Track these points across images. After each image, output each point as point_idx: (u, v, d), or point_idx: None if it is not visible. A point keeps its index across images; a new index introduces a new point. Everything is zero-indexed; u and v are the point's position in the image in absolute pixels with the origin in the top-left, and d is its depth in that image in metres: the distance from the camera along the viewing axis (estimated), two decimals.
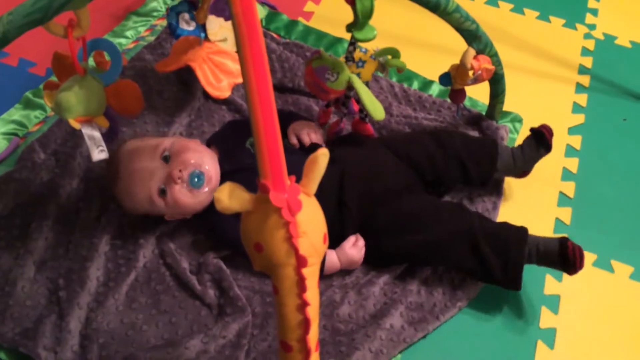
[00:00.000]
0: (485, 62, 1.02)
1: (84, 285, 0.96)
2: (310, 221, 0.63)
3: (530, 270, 1.04)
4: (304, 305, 0.63)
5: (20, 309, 0.94)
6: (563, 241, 0.96)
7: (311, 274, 0.63)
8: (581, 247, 0.95)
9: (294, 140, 1.08)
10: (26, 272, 0.98)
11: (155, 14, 1.41)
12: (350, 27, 0.91)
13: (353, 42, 0.96)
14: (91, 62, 0.88)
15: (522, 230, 0.99)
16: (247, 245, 0.64)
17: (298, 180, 0.65)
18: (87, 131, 0.82)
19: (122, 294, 0.98)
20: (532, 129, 1.11)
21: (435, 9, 0.92)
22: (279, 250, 0.62)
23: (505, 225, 1.01)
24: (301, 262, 0.61)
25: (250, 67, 0.61)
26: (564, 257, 0.95)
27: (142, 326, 0.95)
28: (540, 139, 1.09)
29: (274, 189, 0.61)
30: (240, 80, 1.17)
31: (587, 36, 1.50)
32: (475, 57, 1.02)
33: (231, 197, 0.62)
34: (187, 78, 1.25)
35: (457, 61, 1.05)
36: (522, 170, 1.12)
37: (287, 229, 0.61)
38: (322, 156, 0.63)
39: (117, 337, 0.93)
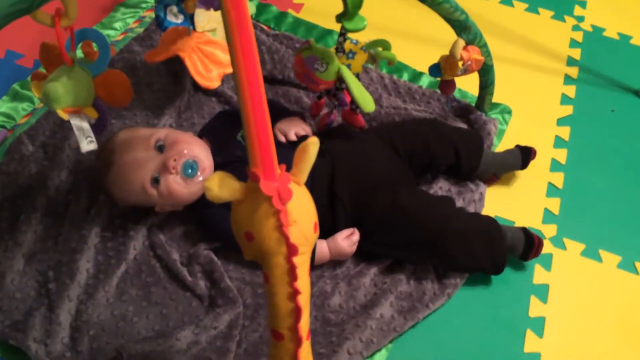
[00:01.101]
0: (474, 53, 1.03)
1: (73, 278, 0.96)
2: (301, 210, 0.63)
3: (518, 261, 1.05)
4: (295, 293, 0.63)
5: (10, 301, 0.94)
6: (525, 229, 1.04)
7: (302, 263, 0.63)
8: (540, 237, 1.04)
9: (281, 138, 1.07)
10: (15, 265, 0.97)
11: (143, 5, 1.40)
12: (340, 18, 0.91)
13: (343, 33, 0.96)
14: (79, 52, 0.87)
15: (493, 220, 1.03)
16: (238, 235, 0.64)
17: (288, 170, 0.65)
18: (75, 122, 0.81)
19: (113, 286, 0.97)
20: (518, 145, 1.16)
21: None
22: (269, 238, 0.62)
23: (477, 216, 1.05)
24: (292, 250, 0.62)
25: (240, 56, 0.60)
26: (529, 243, 1.02)
27: (133, 318, 0.94)
28: (526, 155, 1.14)
29: (265, 177, 0.61)
30: (230, 70, 1.16)
31: (576, 28, 1.51)
32: (464, 48, 1.02)
33: (221, 186, 0.62)
34: (176, 70, 1.24)
35: (446, 53, 1.05)
36: (493, 173, 1.16)
37: (277, 217, 0.61)
38: (312, 145, 0.64)
39: (108, 328, 0.93)
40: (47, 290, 0.95)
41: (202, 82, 1.02)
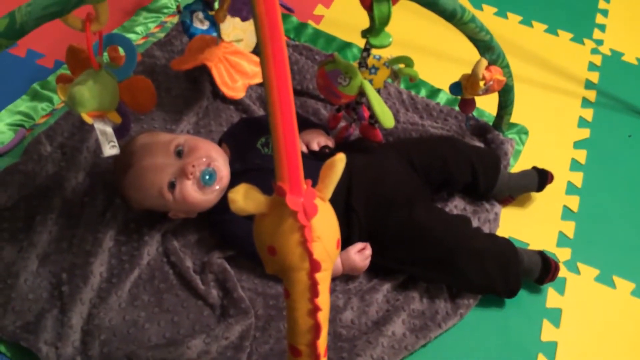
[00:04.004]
0: (497, 73, 1.03)
1: (87, 281, 0.96)
2: (325, 226, 0.63)
3: (532, 284, 1.05)
4: (315, 310, 0.62)
5: (22, 302, 0.94)
6: (542, 253, 1.04)
7: (323, 279, 0.63)
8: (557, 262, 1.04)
9: (303, 148, 1.07)
10: (29, 265, 0.97)
11: (165, 10, 1.40)
12: (365, 33, 0.91)
13: (367, 48, 0.96)
14: (105, 57, 0.88)
15: (510, 242, 1.03)
16: (260, 248, 0.64)
17: (314, 185, 0.64)
18: (99, 126, 0.81)
19: (125, 291, 0.97)
20: (536, 168, 1.16)
21: (451, 18, 0.92)
22: (292, 254, 0.61)
23: (494, 237, 1.04)
24: (315, 266, 0.61)
25: (272, 68, 0.60)
26: (546, 267, 1.02)
27: (144, 324, 0.94)
28: (542, 178, 1.14)
29: (291, 192, 0.61)
30: (255, 81, 1.16)
31: (595, 51, 1.51)
32: (487, 68, 1.02)
33: (246, 199, 0.62)
34: (196, 76, 1.24)
35: (464, 70, 1.05)
36: (509, 194, 1.15)
37: (302, 232, 0.61)
38: (339, 161, 0.64)
39: (119, 334, 0.93)
40: (60, 292, 0.95)
41: (228, 92, 1.02)
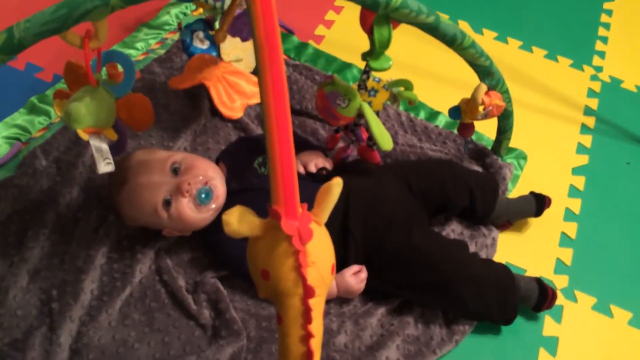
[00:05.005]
0: (496, 99, 1.03)
1: (77, 298, 0.94)
2: (320, 251, 0.62)
3: (528, 311, 1.04)
4: (308, 336, 0.61)
5: (11, 318, 0.92)
6: (539, 280, 1.03)
7: (317, 305, 0.62)
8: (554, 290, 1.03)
9: (300, 169, 1.07)
10: (19, 281, 0.96)
11: (166, 27, 1.40)
12: (365, 56, 0.91)
13: (367, 71, 0.96)
14: (103, 73, 0.87)
15: (507, 269, 1.02)
16: (253, 272, 0.63)
17: (310, 208, 0.64)
18: (94, 143, 0.81)
19: (116, 309, 0.96)
20: (533, 193, 1.15)
21: (451, 43, 0.92)
22: (286, 279, 0.60)
23: (491, 263, 1.03)
24: (308, 292, 0.60)
25: (270, 91, 0.60)
26: (543, 294, 1.01)
27: (134, 344, 0.93)
28: (540, 203, 1.13)
29: (286, 216, 0.60)
30: (253, 101, 1.16)
31: (594, 78, 1.51)
32: (486, 93, 1.02)
33: (241, 221, 0.61)
34: (194, 93, 1.24)
35: (464, 94, 1.05)
36: (507, 219, 1.15)
37: (296, 257, 0.60)
38: (336, 186, 0.63)
39: (108, 353, 0.91)
40: (49, 309, 0.94)
41: (226, 112, 1.01)
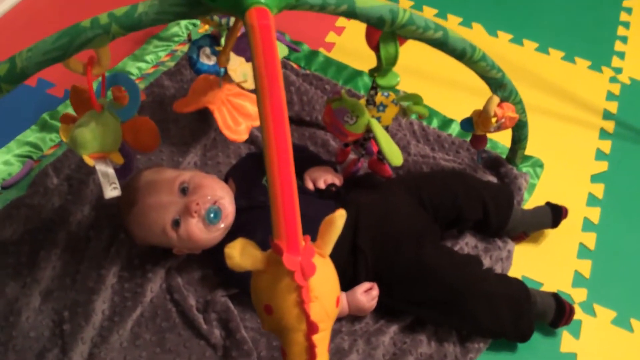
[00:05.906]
0: (509, 110, 1.00)
1: (88, 319, 0.94)
2: (324, 285, 0.61)
3: (546, 327, 1.01)
4: None
5: (24, 340, 0.93)
6: (556, 295, 1.00)
7: (321, 341, 0.61)
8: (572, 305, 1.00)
9: (309, 185, 1.05)
10: (32, 302, 0.96)
11: (176, 39, 1.40)
12: (372, 72, 0.89)
13: (375, 87, 0.94)
14: (109, 95, 0.87)
15: (523, 285, 0.99)
16: (257, 306, 0.62)
17: (313, 239, 0.63)
18: (100, 168, 0.81)
19: (127, 330, 0.96)
20: (549, 203, 1.13)
21: (461, 57, 0.89)
22: (289, 314, 0.60)
23: (506, 279, 1.01)
24: (312, 328, 0.59)
25: (270, 124, 0.59)
26: (560, 310, 0.98)
27: None
28: (557, 214, 1.11)
29: (288, 250, 0.59)
30: (258, 123, 1.15)
31: (613, 80, 1.47)
32: (499, 105, 0.99)
33: (243, 254, 0.61)
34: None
35: (477, 100, 1.03)
36: (522, 230, 1.12)
37: (299, 293, 0.59)
38: (339, 217, 0.62)
39: None
40: (61, 330, 0.94)
41: (230, 135, 1.01)
